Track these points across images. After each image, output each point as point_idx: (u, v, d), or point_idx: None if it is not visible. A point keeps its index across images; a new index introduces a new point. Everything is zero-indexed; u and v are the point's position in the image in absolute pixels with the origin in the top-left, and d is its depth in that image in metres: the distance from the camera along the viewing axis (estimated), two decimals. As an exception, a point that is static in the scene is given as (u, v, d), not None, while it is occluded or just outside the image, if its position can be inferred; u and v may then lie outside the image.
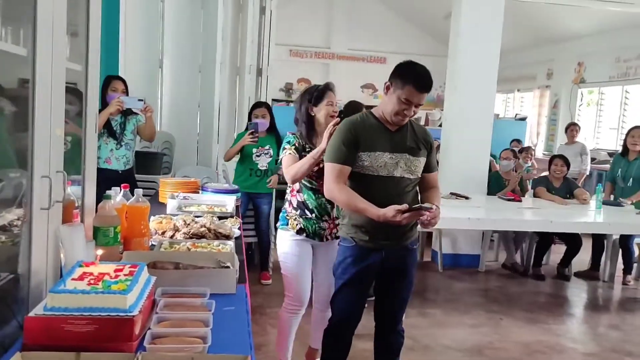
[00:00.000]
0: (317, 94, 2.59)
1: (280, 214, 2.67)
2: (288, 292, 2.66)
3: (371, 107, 2.47)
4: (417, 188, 2.37)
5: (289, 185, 2.65)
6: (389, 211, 2.10)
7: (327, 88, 2.60)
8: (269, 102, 4.99)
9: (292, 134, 2.64)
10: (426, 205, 2.17)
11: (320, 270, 2.67)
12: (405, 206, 2.10)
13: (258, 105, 4.23)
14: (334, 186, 2.22)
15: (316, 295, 2.74)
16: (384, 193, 2.20)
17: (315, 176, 2.52)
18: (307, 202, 2.56)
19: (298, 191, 2.59)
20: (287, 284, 2.66)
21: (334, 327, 2.42)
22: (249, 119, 4.14)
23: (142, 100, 3.63)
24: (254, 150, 4.07)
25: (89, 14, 1.78)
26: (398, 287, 2.38)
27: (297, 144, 2.57)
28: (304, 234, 2.57)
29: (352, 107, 3.65)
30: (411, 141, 2.27)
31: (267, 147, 4.09)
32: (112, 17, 4.16)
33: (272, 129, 4.12)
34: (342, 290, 2.36)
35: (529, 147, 6.98)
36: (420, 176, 2.32)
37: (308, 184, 2.56)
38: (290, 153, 2.55)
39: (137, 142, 3.92)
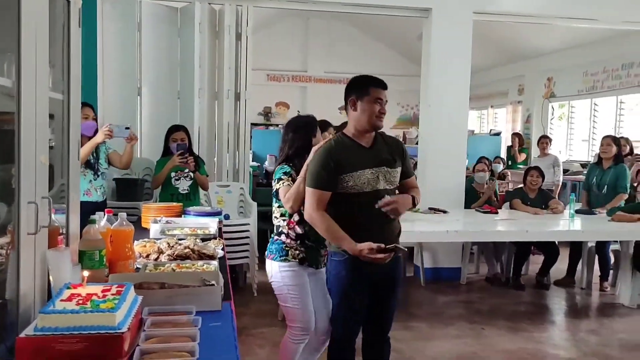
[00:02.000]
0: (314, 124, 2.70)
1: (274, 247, 2.62)
2: (294, 324, 2.62)
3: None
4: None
5: (278, 216, 2.63)
6: (364, 249, 2.22)
7: (317, 122, 2.74)
8: (248, 126, 5.07)
9: (286, 163, 2.63)
10: (400, 247, 2.28)
11: (317, 296, 2.64)
12: (381, 245, 2.22)
13: (176, 128, 4.10)
14: (315, 214, 2.32)
15: (317, 324, 2.64)
16: (370, 207, 2.30)
17: None
18: (309, 233, 2.54)
19: (298, 223, 2.56)
20: (292, 315, 2.61)
21: (338, 342, 2.50)
22: (166, 143, 4.05)
23: (128, 128, 3.66)
24: (173, 174, 3.97)
25: (70, 44, 1.85)
26: (388, 296, 2.48)
27: (293, 175, 2.55)
28: (306, 263, 2.58)
29: (320, 125, 3.85)
30: (386, 154, 2.40)
31: (185, 170, 3.97)
32: (90, 46, 4.22)
33: (191, 152, 4.03)
34: (340, 304, 2.44)
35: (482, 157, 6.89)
36: (398, 184, 2.45)
37: None
38: (288, 184, 2.53)
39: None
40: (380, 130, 2.45)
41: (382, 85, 2.37)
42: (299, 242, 2.57)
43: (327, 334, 2.60)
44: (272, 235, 2.69)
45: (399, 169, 2.44)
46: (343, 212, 2.33)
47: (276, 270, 2.59)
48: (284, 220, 2.62)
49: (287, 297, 2.59)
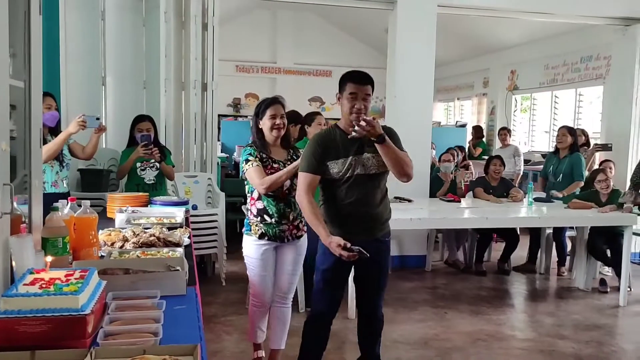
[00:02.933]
0: (262, 108, 2.80)
1: (245, 221, 2.88)
2: (252, 290, 2.94)
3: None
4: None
5: (247, 194, 2.86)
6: (333, 243, 2.40)
7: (270, 102, 2.80)
8: (215, 117, 5.07)
9: (250, 145, 2.82)
10: (363, 251, 2.39)
11: (281, 267, 2.89)
12: (347, 244, 2.37)
13: (141, 118, 4.05)
14: (303, 197, 2.51)
15: (276, 291, 2.91)
16: (352, 191, 2.50)
17: None
18: (267, 208, 2.76)
19: (258, 199, 2.78)
20: (250, 283, 2.93)
21: (315, 317, 2.67)
22: (132, 134, 4.02)
23: (99, 119, 3.61)
24: (138, 164, 3.95)
25: (30, 32, 1.84)
26: (373, 277, 2.65)
27: (258, 155, 2.76)
28: (266, 238, 2.79)
29: (291, 116, 3.94)
30: (372, 142, 2.47)
31: (151, 160, 3.96)
32: (52, 35, 4.14)
33: (156, 142, 4.02)
34: (321, 281, 2.61)
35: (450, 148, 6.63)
36: (387, 172, 2.57)
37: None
38: (257, 165, 2.73)
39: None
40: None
41: (357, 79, 2.46)
42: (259, 218, 2.79)
43: (285, 305, 2.92)
44: None
45: None
46: (328, 196, 2.56)
47: (244, 242, 2.87)
48: (248, 197, 2.86)
49: (248, 268, 2.88)
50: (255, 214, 2.80)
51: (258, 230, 2.79)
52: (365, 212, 2.54)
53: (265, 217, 2.78)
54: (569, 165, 5.16)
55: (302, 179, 2.52)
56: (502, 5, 5.54)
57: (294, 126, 4.66)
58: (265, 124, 2.79)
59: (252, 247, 2.82)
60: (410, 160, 2.55)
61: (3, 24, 1.55)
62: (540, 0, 5.52)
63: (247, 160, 2.75)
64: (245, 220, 2.88)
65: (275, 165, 2.77)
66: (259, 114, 2.81)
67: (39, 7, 1.88)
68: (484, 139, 9.07)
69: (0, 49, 1.53)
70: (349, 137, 2.46)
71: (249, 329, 3.03)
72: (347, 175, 2.49)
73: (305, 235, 2.93)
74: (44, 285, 1.40)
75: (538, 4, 5.54)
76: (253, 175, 2.72)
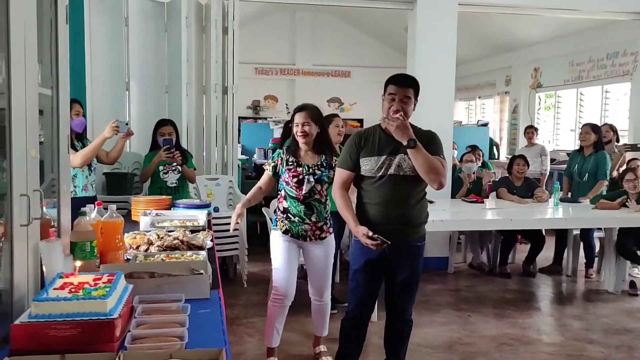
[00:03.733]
0: (293, 115, 3.00)
1: (274, 217, 3.06)
2: (274, 284, 2.99)
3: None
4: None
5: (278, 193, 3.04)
6: (359, 232, 2.48)
7: (297, 110, 2.98)
8: (236, 119, 5.10)
9: (281, 148, 3.09)
10: (383, 239, 2.43)
11: (311, 266, 3.05)
12: (369, 232, 2.44)
13: (163, 123, 4.13)
14: (337, 191, 2.61)
15: (310, 289, 3.11)
16: (385, 190, 2.51)
17: (295, 186, 2.90)
18: (289, 208, 2.93)
19: (284, 198, 2.95)
20: (273, 276, 3.01)
21: (350, 314, 2.69)
22: (154, 138, 4.09)
23: (127, 124, 3.76)
24: (161, 167, 4.02)
25: (57, 41, 1.88)
26: (404, 280, 2.63)
27: (278, 161, 2.97)
28: (289, 234, 2.95)
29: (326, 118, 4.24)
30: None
31: (173, 164, 4.02)
32: (78, 42, 4.23)
33: (178, 146, 4.09)
34: (354, 280, 2.65)
35: (475, 146, 6.56)
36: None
37: (290, 193, 2.92)
38: (266, 169, 3.02)
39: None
40: (416, 125, 2.56)
41: (397, 81, 2.51)
42: (285, 215, 2.96)
43: (323, 300, 3.09)
44: None
45: None
46: (362, 194, 2.60)
47: (271, 236, 3.03)
48: (278, 194, 3.03)
49: (273, 260, 2.99)
50: (282, 210, 2.97)
51: (283, 226, 2.96)
52: (396, 213, 2.53)
53: (289, 215, 2.94)
54: (594, 163, 5.06)
55: (338, 174, 2.64)
56: (525, 2, 5.45)
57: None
58: (293, 130, 2.96)
59: (277, 240, 2.97)
60: (444, 169, 2.51)
61: (32, 33, 1.59)
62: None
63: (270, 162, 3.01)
64: (274, 217, 3.06)
65: (299, 169, 2.91)
66: (292, 121, 3.01)
67: (66, 15, 1.92)
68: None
69: (29, 58, 1.56)
70: (384, 128, 2.50)
71: (266, 329, 3.09)
72: (380, 174, 2.51)
73: (331, 236, 3.05)
74: (73, 290, 1.42)
75: (563, 1, 5.45)
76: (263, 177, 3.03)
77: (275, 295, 2.97)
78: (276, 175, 2.98)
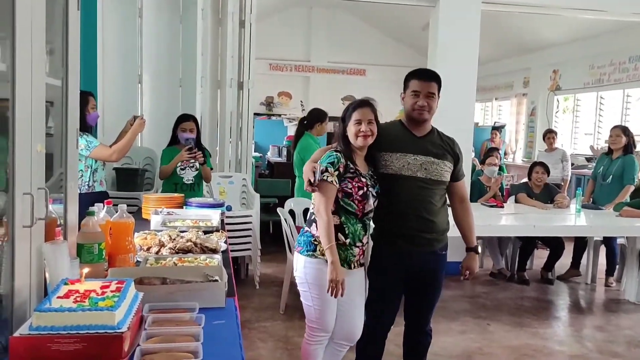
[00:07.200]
0: (349, 111, 2.37)
1: (302, 238, 2.38)
2: (312, 324, 2.41)
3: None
4: (448, 201, 2.53)
5: (314, 203, 2.35)
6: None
7: (357, 105, 2.37)
8: (251, 116, 4.99)
9: (336, 151, 2.35)
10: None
11: (344, 301, 2.36)
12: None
13: (185, 118, 3.97)
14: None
15: (337, 328, 2.43)
16: (409, 192, 2.37)
17: (358, 200, 2.31)
18: (345, 225, 2.32)
19: (333, 213, 2.29)
20: (309, 314, 2.40)
21: (367, 334, 2.50)
22: (174, 133, 3.95)
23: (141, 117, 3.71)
24: (179, 163, 3.89)
25: (67, 29, 1.76)
26: (425, 290, 2.52)
27: (341, 168, 2.29)
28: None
29: (314, 114, 4.45)
30: (437, 147, 2.43)
31: (192, 160, 3.90)
32: (90, 32, 4.12)
33: (198, 143, 3.96)
34: (374, 292, 2.47)
35: (493, 148, 6.19)
36: (446, 183, 2.45)
37: (348, 207, 2.32)
38: (331, 181, 2.26)
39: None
40: (439, 129, 2.52)
41: (422, 76, 2.39)
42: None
43: (347, 340, 2.47)
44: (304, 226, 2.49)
45: (447, 164, 2.44)
46: (384, 192, 2.38)
47: (301, 265, 2.36)
48: (312, 206, 2.39)
49: (308, 295, 2.36)
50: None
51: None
52: (416, 214, 2.39)
53: (340, 236, 2.31)
54: (620, 167, 4.90)
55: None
56: (550, 2, 5.27)
57: (320, 124, 4.54)
58: (350, 129, 2.33)
59: (316, 271, 2.30)
60: (468, 202, 2.62)
61: (40, 19, 1.47)
62: (591, -3, 5.24)
63: (326, 170, 2.28)
64: (304, 238, 2.37)
65: (363, 180, 2.32)
66: (345, 119, 2.37)
67: (77, 2, 1.80)
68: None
69: (37, 46, 1.44)
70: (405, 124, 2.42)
71: None
72: (404, 174, 2.37)
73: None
74: (78, 299, 1.30)
75: (589, 1, 5.26)
76: (319, 192, 2.26)
77: (317, 335, 2.41)
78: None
